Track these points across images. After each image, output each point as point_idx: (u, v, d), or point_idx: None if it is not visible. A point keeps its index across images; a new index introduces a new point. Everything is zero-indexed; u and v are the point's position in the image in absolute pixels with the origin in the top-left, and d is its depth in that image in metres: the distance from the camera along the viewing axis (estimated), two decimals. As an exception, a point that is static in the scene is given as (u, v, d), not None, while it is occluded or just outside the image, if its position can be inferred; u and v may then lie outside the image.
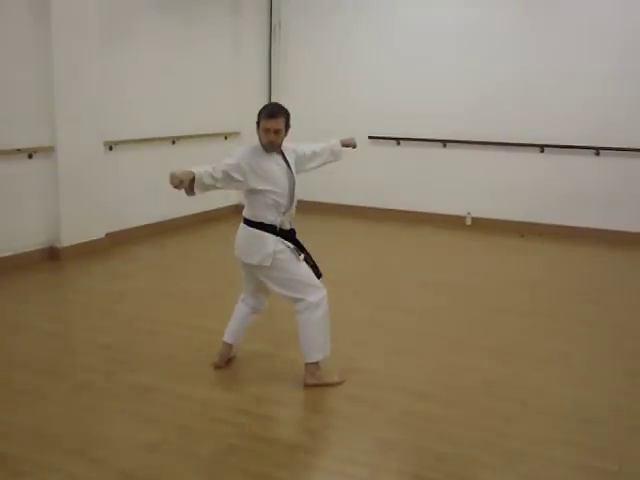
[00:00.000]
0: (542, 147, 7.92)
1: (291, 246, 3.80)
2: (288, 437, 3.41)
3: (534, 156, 8.00)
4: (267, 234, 3.75)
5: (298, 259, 3.80)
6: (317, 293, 3.79)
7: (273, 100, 9.28)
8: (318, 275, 3.87)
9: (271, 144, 3.74)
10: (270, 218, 3.77)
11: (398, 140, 8.54)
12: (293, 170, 3.86)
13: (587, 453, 3.22)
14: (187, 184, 3.50)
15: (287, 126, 3.79)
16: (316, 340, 3.83)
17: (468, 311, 5.30)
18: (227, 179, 3.64)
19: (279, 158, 3.83)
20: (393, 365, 4.21)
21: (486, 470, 3.10)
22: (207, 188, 3.61)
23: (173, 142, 7.84)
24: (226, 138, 8.73)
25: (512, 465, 3.12)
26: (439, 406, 3.68)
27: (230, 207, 8.83)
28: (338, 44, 8.83)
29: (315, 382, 3.85)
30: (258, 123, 3.75)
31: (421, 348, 4.51)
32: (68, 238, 6.51)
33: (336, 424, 3.61)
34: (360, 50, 8.67)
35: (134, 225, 7.38)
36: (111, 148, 7.03)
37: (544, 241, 7.65)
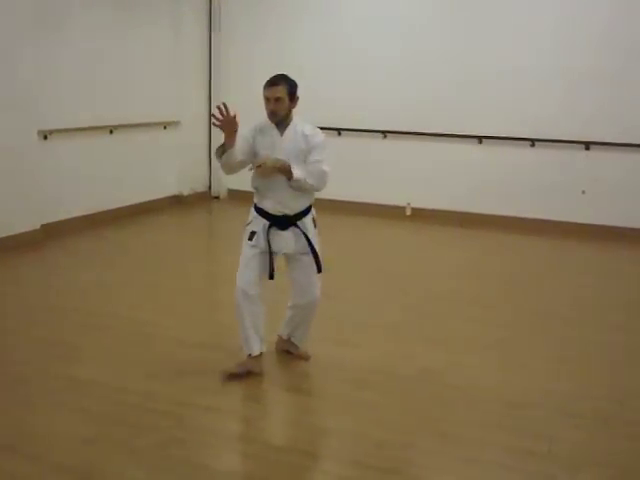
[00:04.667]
0: (480, 138, 8.07)
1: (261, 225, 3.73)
2: (227, 427, 3.41)
3: (472, 147, 8.15)
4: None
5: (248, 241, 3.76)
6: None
7: (213, 88, 9.20)
8: (318, 269, 3.79)
9: (272, 114, 3.65)
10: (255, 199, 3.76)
11: (339, 130, 8.58)
12: (289, 149, 3.67)
13: (519, 435, 3.33)
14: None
15: (291, 96, 3.68)
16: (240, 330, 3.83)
17: (406, 299, 5.39)
18: (239, 149, 3.60)
19: (277, 133, 3.70)
20: (331, 354, 4.23)
21: (424, 455, 3.18)
22: (233, 157, 3.58)
23: (111, 131, 7.64)
24: (165, 128, 8.55)
25: (449, 449, 3.20)
26: (377, 394, 3.73)
27: (169, 198, 8.72)
28: (280, 32, 8.78)
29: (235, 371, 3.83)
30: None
31: (359, 336, 4.56)
32: (0, 230, 6.30)
33: (275, 413, 3.63)
34: (302, 40, 8.65)
35: (70, 216, 7.19)
36: (46, 137, 6.84)
37: (481, 230, 7.80)
